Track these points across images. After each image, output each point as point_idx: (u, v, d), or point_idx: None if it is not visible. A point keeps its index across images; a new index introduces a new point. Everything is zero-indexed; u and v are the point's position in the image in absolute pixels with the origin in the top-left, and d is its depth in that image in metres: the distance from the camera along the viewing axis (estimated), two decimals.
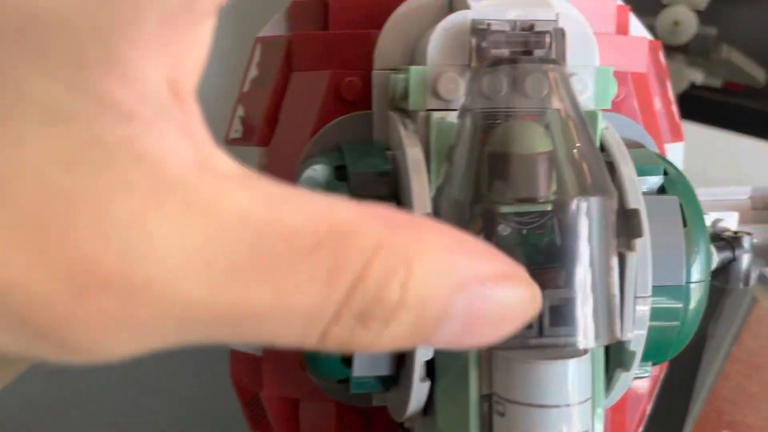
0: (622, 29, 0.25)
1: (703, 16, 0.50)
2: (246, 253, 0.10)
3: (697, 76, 0.51)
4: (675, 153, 0.26)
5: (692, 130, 0.51)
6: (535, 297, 0.13)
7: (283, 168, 0.23)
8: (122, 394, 0.45)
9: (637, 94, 0.24)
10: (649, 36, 0.25)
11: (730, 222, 0.26)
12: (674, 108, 0.26)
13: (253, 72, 0.24)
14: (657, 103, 0.25)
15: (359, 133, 0.22)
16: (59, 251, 0.09)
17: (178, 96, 0.10)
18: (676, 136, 0.26)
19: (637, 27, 0.25)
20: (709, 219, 0.26)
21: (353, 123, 0.22)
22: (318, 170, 0.21)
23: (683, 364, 0.43)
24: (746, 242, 0.24)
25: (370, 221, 0.11)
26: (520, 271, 0.13)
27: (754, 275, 0.25)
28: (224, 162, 0.11)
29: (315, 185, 0.20)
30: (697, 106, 0.50)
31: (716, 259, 0.24)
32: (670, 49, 0.50)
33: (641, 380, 0.27)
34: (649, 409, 0.28)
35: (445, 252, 0.12)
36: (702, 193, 0.27)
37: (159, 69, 0.10)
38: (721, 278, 0.25)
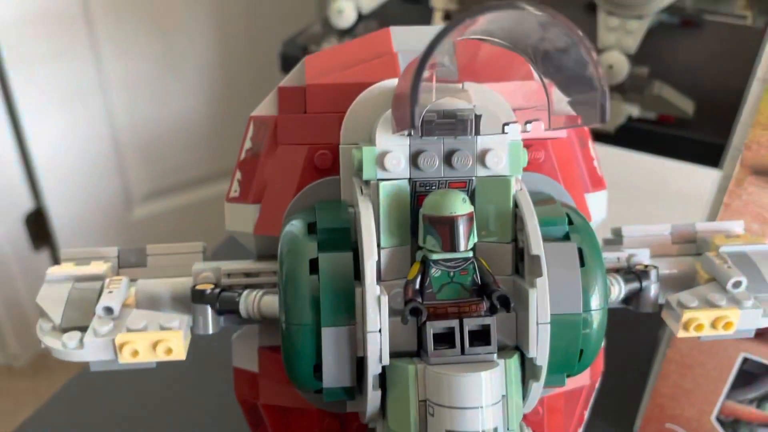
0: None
1: (634, 58, 0.56)
2: None
3: (634, 111, 0.56)
4: (597, 199, 0.31)
5: (632, 158, 0.56)
6: None
7: (272, 221, 0.28)
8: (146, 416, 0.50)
9: (557, 156, 0.29)
10: None
11: (643, 257, 0.31)
12: (596, 163, 0.31)
13: (248, 144, 0.29)
14: (578, 161, 0.30)
15: (330, 193, 0.28)
16: None
17: None
18: (598, 185, 0.31)
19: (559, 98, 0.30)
20: (625, 254, 0.31)
21: (325, 186, 0.28)
22: (295, 225, 0.26)
23: (639, 365, 0.48)
24: (653, 274, 0.29)
25: None
26: None
27: (662, 300, 0.30)
28: None
29: (291, 238, 0.25)
30: (634, 136, 0.56)
31: (623, 288, 0.29)
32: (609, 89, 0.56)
33: (574, 391, 0.31)
34: (586, 414, 0.33)
35: None
36: (631, 230, 0.32)
37: None
38: (633, 304, 0.30)
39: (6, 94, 1.13)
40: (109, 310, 0.26)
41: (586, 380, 0.31)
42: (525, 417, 0.29)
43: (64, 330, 0.27)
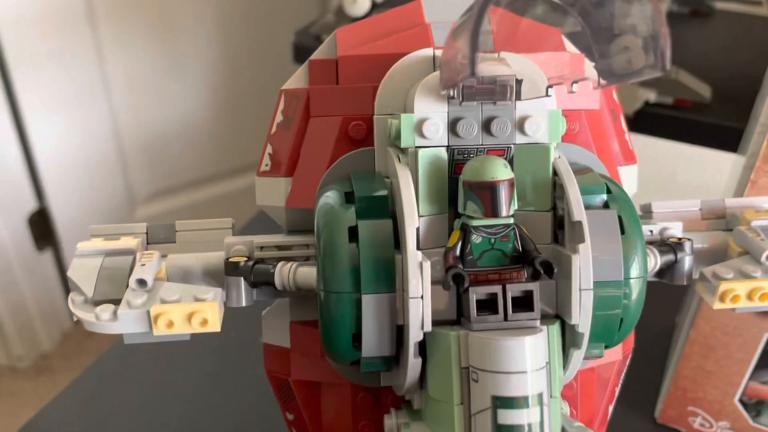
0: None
1: None
2: None
3: (650, 96, 0.56)
4: (629, 173, 0.31)
5: (646, 142, 0.56)
6: None
7: (305, 193, 0.28)
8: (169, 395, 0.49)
9: (591, 128, 0.29)
10: None
11: (676, 230, 0.31)
12: (627, 137, 0.31)
13: (279, 117, 0.29)
14: (610, 134, 0.30)
15: (364, 165, 0.28)
16: None
17: None
18: (629, 159, 0.31)
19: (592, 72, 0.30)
20: (657, 228, 0.31)
21: (359, 157, 0.28)
22: (330, 196, 0.26)
23: (656, 351, 0.48)
24: (687, 246, 0.29)
25: None
26: None
27: (696, 274, 0.30)
28: None
29: (328, 209, 0.25)
30: (652, 122, 0.55)
31: (659, 260, 0.29)
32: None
33: (607, 366, 0.31)
34: (617, 390, 0.33)
35: None
36: (660, 206, 0.32)
37: None
38: (668, 276, 0.30)
39: (10, 94, 1.13)
40: (142, 283, 0.26)
41: (618, 355, 0.31)
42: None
43: (96, 303, 0.26)
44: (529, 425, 0.23)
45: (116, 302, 0.26)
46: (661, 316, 0.51)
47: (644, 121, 0.55)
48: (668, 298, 0.51)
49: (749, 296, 0.28)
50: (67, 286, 0.57)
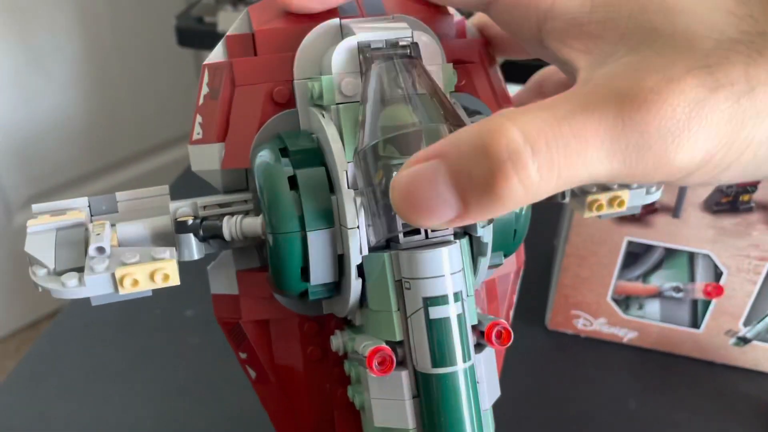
0: (461, 34, 0.35)
1: None
2: None
3: None
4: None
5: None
6: None
7: (239, 155, 0.32)
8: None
9: (474, 77, 0.34)
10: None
11: None
12: (503, 85, 0.37)
13: (205, 89, 0.32)
14: (491, 82, 0.36)
15: (289, 125, 0.31)
16: None
17: None
18: (507, 101, 0.37)
19: (471, 30, 0.35)
20: None
21: (285, 119, 0.31)
22: (265, 154, 0.29)
23: (541, 271, 0.56)
24: None
25: None
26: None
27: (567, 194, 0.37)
28: None
29: (266, 165, 0.29)
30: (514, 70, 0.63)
31: None
32: None
33: (504, 278, 0.37)
34: (515, 299, 0.39)
35: None
36: None
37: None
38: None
39: None
40: (101, 250, 0.29)
41: (513, 266, 0.37)
42: None
43: (59, 273, 0.29)
44: (454, 316, 0.28)
45: (78, 271, 0.28)
46: (543, 240, 0.59)
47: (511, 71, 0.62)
48: (547, 225, 0.59)
49: (610, 203, 0.35)
50: None
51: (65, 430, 0.49)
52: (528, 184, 0.19)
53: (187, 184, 0.63)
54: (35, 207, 0.32)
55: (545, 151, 0.19)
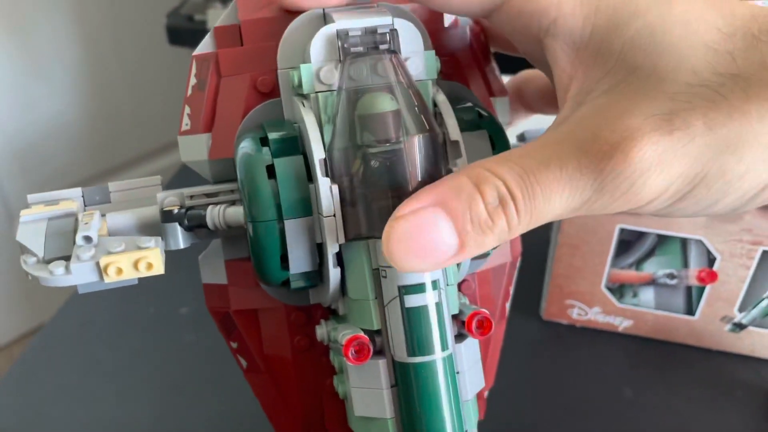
0: (454, 23, 0.34)
1: None
2: None
3: None
4: (502, 103, 0.37)
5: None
6: None
7: (225, 145, 0.32)
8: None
9: (465, 66, 0.34)
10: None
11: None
12: (497, 72, 0.37)
13: (193, 80, 0.33)
14: (482, 71, 0.35)
15: (274, 114, 0.32)
16: None
17: None
18: (501, 92, 0.37)
19: (464, 20, 0.35)
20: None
21: (269, 108, 0.32)
22: (246, 144, 0.29)
23: (536, 263, 0.56)
24: None
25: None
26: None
27: None
28: None
29: (245, 155, 0.29)
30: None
31: None
32: None
33: (499, 268, 0.37)
34: (511, 290, 0.39)
35: None
36: (531, 131, 0.38)
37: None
38: None
39: None
40: (88, 239, 0.29)
41: (508, 257, 0.37)
42: (460, 289, 0.35)
43: (47, 261, 0.29)
44: (431, 305, 0.28)
45: (66, 259, 0.29)
46: (539, 231, 0.58)
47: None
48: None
49: None
50: None
51: (61, 429, 0.49)
52: (512, 225, 0.23)
53: (186, 178, 0.64)
54: (30, 197, 0.32)
55: (521, 200, 0.23)
